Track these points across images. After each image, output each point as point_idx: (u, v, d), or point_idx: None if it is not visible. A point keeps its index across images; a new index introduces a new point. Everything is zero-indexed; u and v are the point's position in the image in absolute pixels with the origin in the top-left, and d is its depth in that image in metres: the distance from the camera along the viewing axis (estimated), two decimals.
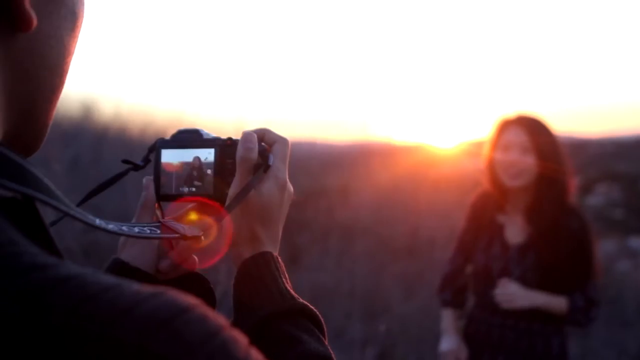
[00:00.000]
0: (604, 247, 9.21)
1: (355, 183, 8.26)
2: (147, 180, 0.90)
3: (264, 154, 0.85)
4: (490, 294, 2.44)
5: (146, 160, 0.92)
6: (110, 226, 0.63)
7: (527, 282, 2.39)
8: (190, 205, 0.91)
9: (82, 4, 0.55)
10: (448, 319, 2.64)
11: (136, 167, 0.91)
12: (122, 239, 0.88)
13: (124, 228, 0.71)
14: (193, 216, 0.90)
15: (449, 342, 2.57)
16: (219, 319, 0.41)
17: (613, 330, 5.99)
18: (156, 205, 0.90)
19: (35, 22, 0.47)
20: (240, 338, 0.41)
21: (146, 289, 0.40)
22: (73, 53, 0.56)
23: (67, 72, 0.55)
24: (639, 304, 6.73)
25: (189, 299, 0.40)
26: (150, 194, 0.89)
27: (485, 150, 2.57)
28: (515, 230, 2.49)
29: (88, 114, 7.24)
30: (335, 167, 9.34)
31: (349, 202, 7.66)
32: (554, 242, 2.38)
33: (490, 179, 2.53)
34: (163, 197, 0.90)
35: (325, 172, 8.80)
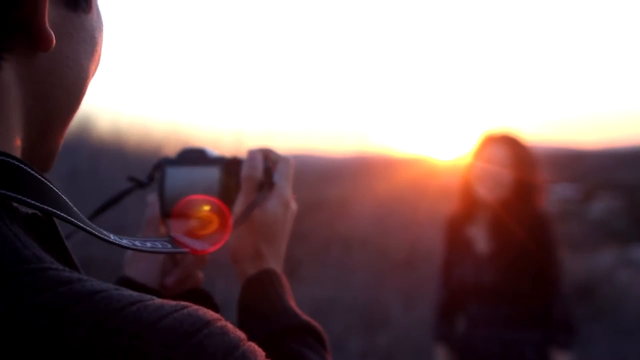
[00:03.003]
0: (603, 257, 9.21)
1: (354, 195, 8.27)
2: (152, 197, 0.91)
3: (268, 172, 0.86)
4: (470, 305, 2.52)
5: (151, 178, 0.92)
6: (124, 241, 0.64)
7: (500, 288, 2.44)
8: (194, 221, 0.90)
9: (101, 30, 0.57)
10: (445, 358, 2.65)
11: (141, 185, 0.92)
12: (128, 255, 0.89)
13: (137, 243, 0.72)
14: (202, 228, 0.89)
15: None
16: (238, 332, 0.42)
17: (613, 340, 5.97)
18: (160, 222, 0.91)
19: (54, 41, 0.48)
20: (258, 351, 0.43)
21: (169, 303, 0.41)
22: (91, 77, 0.57)
23: (83, 96, 0.56)
24: (639, 313, 6.72)
25: (210, 313, 0.42)
26: (155, 211, 0.90)
27: (464, 167, 2.71)
28: (483, 240, 2.57)
29: (85, 127, 7.26)
30: (335, 178, 9.35)
31: (348, 214, 7.67)
32: (522, 248, 2.44)
33: (463, 191, 2.64)
34: (167, 213, 0.90)
35: (325, 183, 8.81)
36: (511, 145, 2.55)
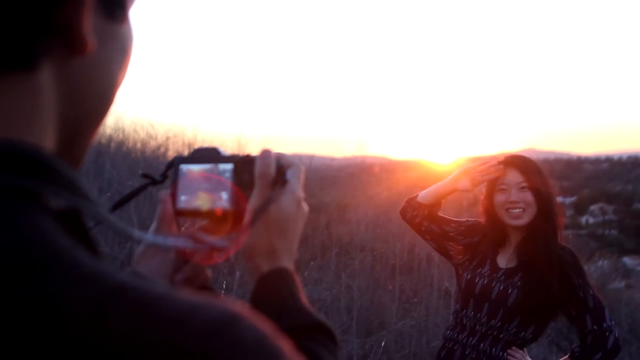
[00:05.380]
0: (597, 267, 9.26)
1: (353, 199, 8.30)
2: (165, 194, 0.91)
3: (281, 170, 0.87)
4: (470, 308, 2.54)
5: (164, 176, 0.93)
6: (148, 238, 0.66)
7: (505, 298, 2.46)
8: (205, 219, 0.92)
9: (131, 41, 0.59)
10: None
11: (154, 182, 0.93)
12: (139, 251, 0.90)
13: (159, 240, 0.74)
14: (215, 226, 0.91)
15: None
16: (267, 324, 0.44)
17: None
18: (173, 218, 0.91)
19: (91, 46, 0.49)
20: (286, 343, 0.44)
21: (199, 297, 0.42)
22: (120, 86, 0.59)
23: (112, 103, 0.58)
24: (633, 323, 6.78)
25: (240, 305, 0.43)
26: (168, 207, 0.90)
27: (483, 192, 2.67)
28: (506, 257, 2.58)
29: None
30: (334, 183, 9.37)
31: (347, 218, 7.70)
32: (543, 268, 2.44)
33: (489, 219, 2.62)
34: (180, 211, 0.91)
35: (324, 188, 8.83)
36: (524, 166, 2.55)
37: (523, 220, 2.50)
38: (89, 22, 0.48)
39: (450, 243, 2.69)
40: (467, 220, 2.74)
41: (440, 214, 2.72)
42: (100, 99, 0.55)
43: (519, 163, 2.56)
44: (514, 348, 2.45)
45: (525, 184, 2.50)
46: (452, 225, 2.70)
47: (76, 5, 0.47)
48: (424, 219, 2.68)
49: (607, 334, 2.46)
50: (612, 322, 2.52)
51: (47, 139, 0.50)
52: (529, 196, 2.49)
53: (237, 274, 4.62)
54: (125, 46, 0.57)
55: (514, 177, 2.53)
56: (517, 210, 2.50)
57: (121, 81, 0.58)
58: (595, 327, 2.45)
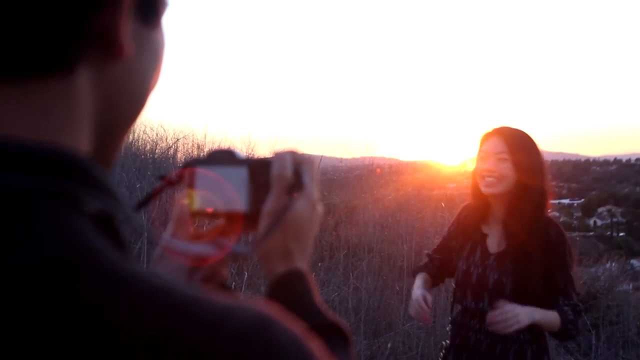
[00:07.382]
0: (606, 269, 9.24)
1: (361, 201, 8.31)
2: (181, 196, 0.92)
3: (297, 173, 0.88)
4: (469, 299, 2.55)
5: (180, 177, 0.93)
6: (175, 244, 0.67)
7: (502, 286, 2.46)
8: (221, 221, 0.93)
9: (164, 46, 0.60)
10: (420, 279, 2.76)
11: (170, 184, 0.93)
12: (157, 252, 0.91)
13: (182, 245, 0.76)
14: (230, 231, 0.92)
15: (417, 291, 2.66)
16: (298, 325, 0.45)
17: (615, 350, 6.03)
18: (190, 221, 0.92)
19: (127, 51, 0.50)
20: (317, 344, 0.46)
21: (232, 299, 0.43)
22: (153, 89, 0.60)
23: (145, 106, 0.59)
24: None
25: (271, 307, 0.44)
26: (184, 210, 0.90)
27: (472, 163, 2.68)
28: (495, 240, 2.58)
29: None
30: (342, 184, 9.38)
31: (355, 220, 7.71)
32: (529, 249, 2.43)
33: (471, 189, 2.65)
34: (197, 213, 0.91)
35: (332, 189, 8.85)
36: (510, 137, 2.50)
37: (496, 189, 2.49)
38: (127, 28, 0.49)
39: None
40: (451, 226, 2.81)
41: (439, 254, 2.81)
42: (134, 102, 0.56)
43: (503, 133, 2.53)
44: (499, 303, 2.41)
45: (504, 155, 2.47)
46: (452, 243, 2.75)
47: (114, 10, 0.48)
48: (443, 269, 2.80)
49: (579, 317, 2.42)
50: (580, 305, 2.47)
51: (83, 142, 0.51)
52: (506, 167, 2.46)
53: (245, 274, 4.65)
54: (158, 51, 0.58)
55: (494, 146, 2.51)
56: (491, 179, 2.49)
57: (154, 85, 0.59)
58: (573, 314, 2.40)
